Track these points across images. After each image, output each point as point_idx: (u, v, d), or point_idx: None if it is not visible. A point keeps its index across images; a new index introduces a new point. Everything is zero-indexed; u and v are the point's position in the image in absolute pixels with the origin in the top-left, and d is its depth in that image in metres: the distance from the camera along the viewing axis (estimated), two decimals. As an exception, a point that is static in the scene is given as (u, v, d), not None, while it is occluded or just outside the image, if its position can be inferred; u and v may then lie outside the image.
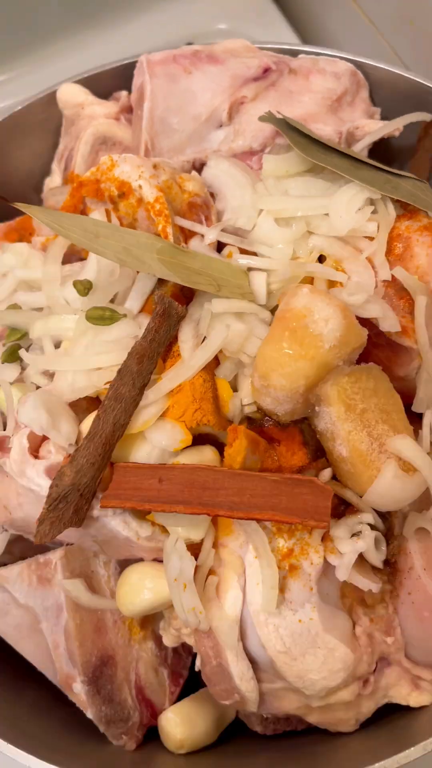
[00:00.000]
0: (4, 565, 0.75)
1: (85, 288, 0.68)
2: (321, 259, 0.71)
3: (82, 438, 0.65)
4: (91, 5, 1.34)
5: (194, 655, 0.75)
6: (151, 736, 0.72)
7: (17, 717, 0.70)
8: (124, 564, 0.71)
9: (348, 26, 1.23)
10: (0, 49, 1.31)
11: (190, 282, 0.64)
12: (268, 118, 0.77)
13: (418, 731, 0.64)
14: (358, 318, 0.63)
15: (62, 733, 0.70)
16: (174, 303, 0.64)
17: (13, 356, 0.71)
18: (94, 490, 0.61)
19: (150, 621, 0.74)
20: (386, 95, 0.91)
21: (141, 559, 0.69)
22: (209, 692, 0.68)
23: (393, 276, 0.66)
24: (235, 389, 0.69)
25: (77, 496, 0.59)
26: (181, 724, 0.69)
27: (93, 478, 0.60)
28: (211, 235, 0.71)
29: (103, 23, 1.36)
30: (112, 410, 0.60)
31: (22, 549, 0.79)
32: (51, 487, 0.59)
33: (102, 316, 0.66)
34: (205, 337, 0.66)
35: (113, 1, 1.36)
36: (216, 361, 0.68)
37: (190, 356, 0.65)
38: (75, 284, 0.68)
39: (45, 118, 0.94)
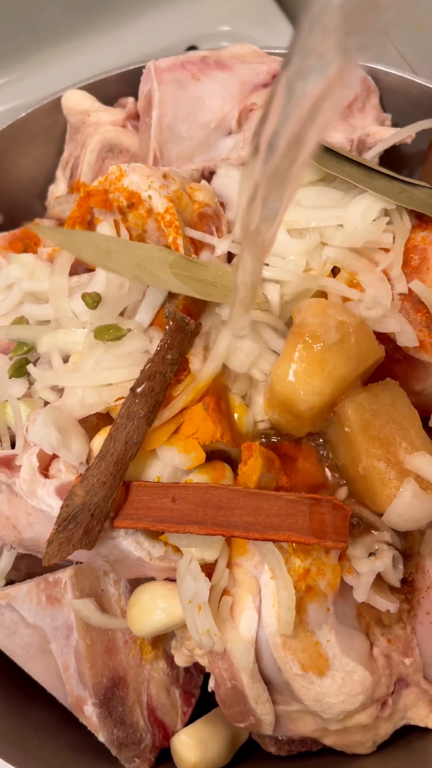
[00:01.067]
0: (12, 582, 0.74)
1: (93, 301, 0.66)
2: (335, 270, 0.70)
3: (93, 456, 0.63)
4: (93, 8, 1.32)
5: (206, 674, 0.73)
6: (164, 757, 0.70)
7: (26, 740, 0.69)
8: (134, 582, 0.70)
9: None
10: (1, 52, 1.29)
11: (204, 294, 0.62)
12: None
13: (438, 754, 0.63)
14: (374, 332, 0.62)
15: (72, 757, 0.69)
16: (186, 318, 0.63)
17: (20, 371, 0.69)
18: (107, 511, 0.59)
19: (161, 640, 0.72)
20: (397, 101, 0.89)
21: (152, 578, 0.67)
22: (222, 713, 0.66)
23: (410, 289, 0.64)
24: (248, 405, 0.67)
25: (88, 517, 0.58)
26: (195, 746, 0.67)
27: (104, 498, 0.58)
28: (223, 246, 0.70)
29: (105, 25, 1.35)
30: (124, 428, 0.59)
31: (29, 565, 0.77)
32: (61, 508, 0.58)
33: (107, 335, 0.65)
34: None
35: (115, 3, 1.34)
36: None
37: (200, 369, 0.64)
38: (84, 297, 0.67)
39: (49, 125, 0.92)
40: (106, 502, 0.59)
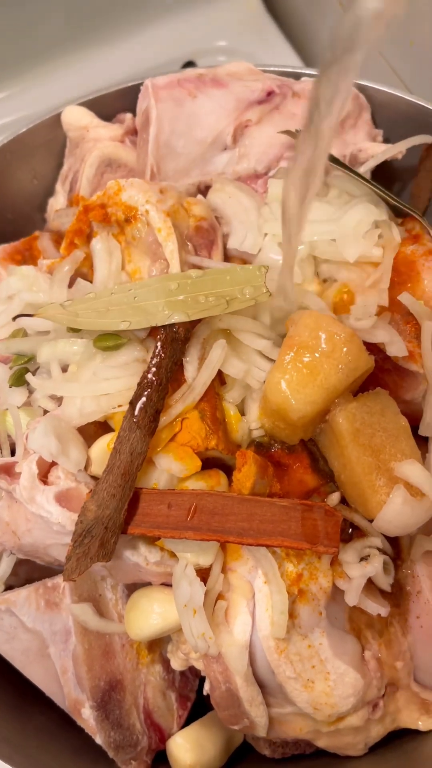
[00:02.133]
0: (11, 588, 0.75)
1: None
2: (325, 282, 0.72)
3: (91, 463, 0.65)
4: (92, 23, 1.35)
5: (201, 678, 0.75)
6: (160, 760, 0.72)
7: (25, 743, 0.70)
8: (131, 587, 0.71)
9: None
10: (1, 67, 1.32)
11: (198, 313, 0.64)
12: (288, 132, 0.78)
13: (428, 755, 0.64)
14: (365, 343, 0.64)
15: (72, 759, 0.70)
16: (175, 326, 0.64)
17: (20, 380, 0.71)
18: (120, 522, 0.60)
19: (157, 644, 0.74)
20: (388, 117, 0.91)
21: (149, 583, 0.69)
22: (217, 716, 0.68)
23: (399, 301, 0.66)
24: (242, 413, 0.69)
25: (102, 530, 0.59)
26: (191, 749, 0.68)
27: (116, 510, 0.59)
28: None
29: (104, 40, 1.37)
30: (127, 440, 0.60)
31: (27, 571, 0.79)
32: (76, 524, 0.59)
33: (108, 342, 0.66)
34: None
35: (114, 18, 1.36)
36: (223, 384, 0.68)
37: (194, 377, 0.65)
38: None
39: (49, 140, 0.95)
40: (118, 514, 0.60)
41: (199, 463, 0.64)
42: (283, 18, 1.43)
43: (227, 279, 0.65)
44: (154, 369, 0.62)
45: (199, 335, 0.68)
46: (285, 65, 0.94)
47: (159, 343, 0.63)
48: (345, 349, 0.61)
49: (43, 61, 1.35)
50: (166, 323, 0.62)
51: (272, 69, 0.90)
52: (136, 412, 0.60)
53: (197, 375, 0.65)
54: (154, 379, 0.62)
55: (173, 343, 0.64)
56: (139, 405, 0.60)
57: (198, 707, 0.75)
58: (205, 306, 0.63)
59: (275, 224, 0.72)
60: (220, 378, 0.69)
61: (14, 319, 0.76)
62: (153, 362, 0.62)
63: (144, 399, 0.61)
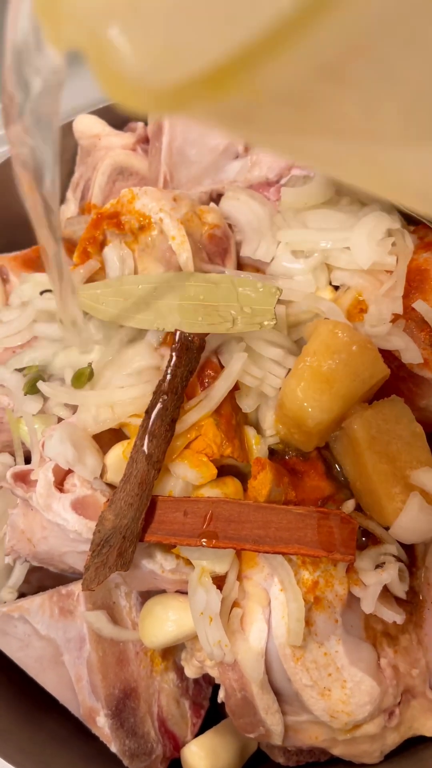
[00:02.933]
0: (23, 595, 0.75)
1: None
2: (337, 288, 0.72)
3: (107, 471, 0.65)
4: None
5: (215, 686, 0.75)
6: (174, 768, 0.72)
7: (40, 750, 0.70)
8: (145, 595, 0.71)
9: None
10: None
11: (205, 327, 0.64)
12: None
13: (445, 763, 0.64)
14: (380, 350, 0.64)
15: (84, 767, 0.70)
16: (190, 336, 0.64)
17: (34, 388, 0.71)
18: (138, 531, 0.60)
19: (171, 652, 0.73)
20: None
21: (163, 590, 0.69)
22: (231, 724, 0.67)
23: (413, 308, 0.66)
24: (257, 420, 0.69)
25: (120, 539, 0.59)
26: (205, 757, 0.68)
27: (134, 519, 0.60)
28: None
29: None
30: (144, 450, 0.60)
31: (40, 578, 0.79)
32: (94, 534, 0.59)
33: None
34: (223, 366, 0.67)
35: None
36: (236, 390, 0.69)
37: (211, 387, 0.66)
38: None
39: (61, 148, 0.95)
40: (136, 523, 0.60)
41: (215, 471, 0.64)
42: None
43: (234, 295, 0.65)
44: (169, 377, 0.63)
45: (210, 343, 0.68)
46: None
47: (174, 352, 0.63)
48: (361, 357, 0.61)
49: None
50: (172, 330, 0.62)
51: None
52: (152, 421, 0.60)
53: (215, 384, 0.66)
54: (169, 387, 0.62)
55: (188, 351, 0.64)
56: (154, 414, 0.61)
57: (211, 715, 0.75)
58: (212, 321, 0.63)
59: (289, 232, 0.72)
60: (235, 384, 0.69)
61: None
62: (168, 371, 0.62)
63: (159, 407, 0.61)
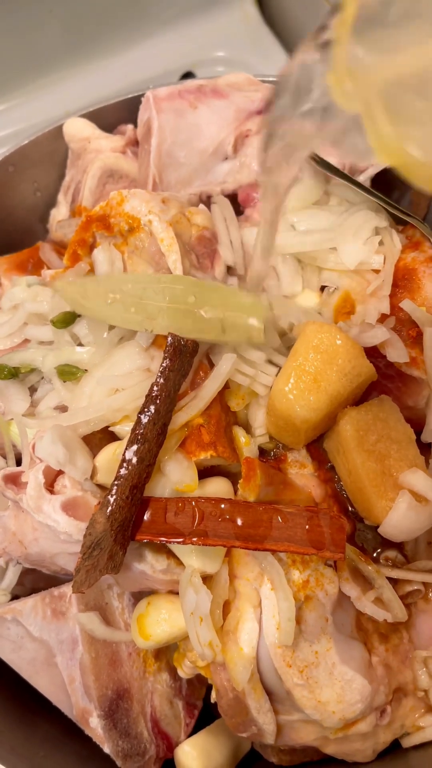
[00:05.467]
0: (17, 597, 0.75)
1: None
2: (323, 289, 0.73)
3: (97, 472, 0.65)
4: (92, 34, 1.36)
5: (208, 686, 0.75)
6: (167, 768, 0.72)
7: (33, 752, 0.70)
8: (137, 596, 0.71)
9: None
10: (3, 79, 1.33)
11: (192, 333, 0.64)
12: None
13: (436, 761, 0.64)
14: (369, 350, 0.64)
15: (78, 768, 0.70)
16: (183, 339, 0.64)
17: (25, 390, 0.72)
18: (129, 535, 0.60)
19: (164, 652, 0.74)
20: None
21: (155, 591, 0.69)
22: (225, 724, 0.68)
23: (401, 308, 0.67)
24: (248, 418, 0.70)
25: (111, 542, 0.59)
26: (198, 757, 0.68)
27: (125, 522, 0.59)
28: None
29: (104, 52, 1.38)
30: (135, 453, 0.60)
31: (33, 580, 0.79)
32: (84, 536, 0.59)
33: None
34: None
35: (114, 29, 1.38)
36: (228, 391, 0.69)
37: (200, 387, 0.66)
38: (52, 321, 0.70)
39: (51, 151, 0.95)
40: (127, 526, 0.60)
41: (197, 484, 0.64)
42: (280, 28, 1.44)
43: (230, 301, 0.65)
44: (161, 381, 0.62)
45: (202, 345, 0.68)
46: (284, 75, 0.95)
47: (167, 356, 0.63)
48: (347, 357, 0.62)
49: (45, 73, 1.36)
50: (160, 334, 0.62)
51: (271, 79, 0.91)
52: (144, 425, 0.60)
53: (204, 385, 0.66)
54: (161, 390, 0.62)
55: (181, 355, 0.64)
56: (147, 417, 0.60)
57: (205, 715, 0.75)
58: (201, 326, 0.63)
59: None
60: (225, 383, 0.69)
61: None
62: (160, 374, 0.62)
63: (152, 412, 0.60)
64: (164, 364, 0.62)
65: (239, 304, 0.64)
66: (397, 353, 0.66)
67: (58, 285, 0.67)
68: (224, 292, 0.65)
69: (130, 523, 0.60)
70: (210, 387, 0.66)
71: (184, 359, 0.63)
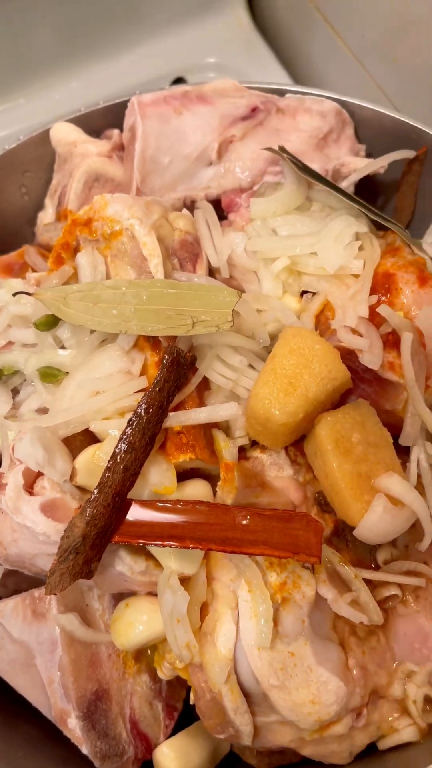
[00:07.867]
0: (-1, 599, 0.76)
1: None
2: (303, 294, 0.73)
3: (77, 474, 0.66)
4: (82, 39, 1.37)
5: (188, 688, 0.75)
6: (147, 770, 0.72)
7: (12, 753, 0.70)
8: (118, 597, 0.71)
9: (333, 61, 1.27)
10: (-7, 84, 1.34)
11: (162, 330, 0.64)
12: (271, 149, 0.79)
13: (412, 764, 0.65)
14: (348, 354, 0.65)
15: (57, 769, 0.70)
16: (183, 352, 0.64)
17: (6, 392, 0.72)
18: (107, 542, 0.60)
19: (144, 654, 0.74)
20: (371, 132, 0.93)
21: (135, 593, 0.69)
22: (204, 726, 0.68)
23: (379, 313, 0.67)
24: (227, 422, 0.70)
25: (87, 548, 0.59)
26: (176, 758, 0.69)
27: (104, 529, 0.59)
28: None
29: (95, 57, 1.39)
30: (122, 460, 0.60)
31: (16, 582, 0.79)
32: (62, 539, 0.59)
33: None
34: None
35: (105, 35, 1.39)
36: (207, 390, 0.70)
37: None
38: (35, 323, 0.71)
39: (39, 155, 0.96)
40: (105, 533, 0.60)
41: (174, 488, 0.64)
42: (271, 35, 1.45)
43: (196, 300, 0.66)
44: (156, 390, 0.62)
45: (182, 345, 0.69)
46: (272, 81, 0.96)
47: (164, 367, 0.63)
48: (323, 361, 0.62)
49: (34, 77, 1.37)
50: (133, 334, 0.63)
51: (257, 86, 0.92)
52: (133, 434, 0.60)
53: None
54: (154, 401, 0.62)
55: (179, 367, 0.64)
56: (137, 426, 0.61)
57: (185, 717, 0.75)
58: (171, 324, 0.64)
59: (258, 241, 0.73)
60: (205, 384, 0.70)
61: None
62: (156, 385, 0.62)
63: (143, 421, 0.61)
64: (161, 375, 0.62)
65: (211, 299, 0.64)
66: (370, 358, 0.66)
67: (38, 292, 0.68)
68: (199, 290, 0.65)
69: (109, 529, 0.60)
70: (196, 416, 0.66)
71: (181, 371, 0.63)
